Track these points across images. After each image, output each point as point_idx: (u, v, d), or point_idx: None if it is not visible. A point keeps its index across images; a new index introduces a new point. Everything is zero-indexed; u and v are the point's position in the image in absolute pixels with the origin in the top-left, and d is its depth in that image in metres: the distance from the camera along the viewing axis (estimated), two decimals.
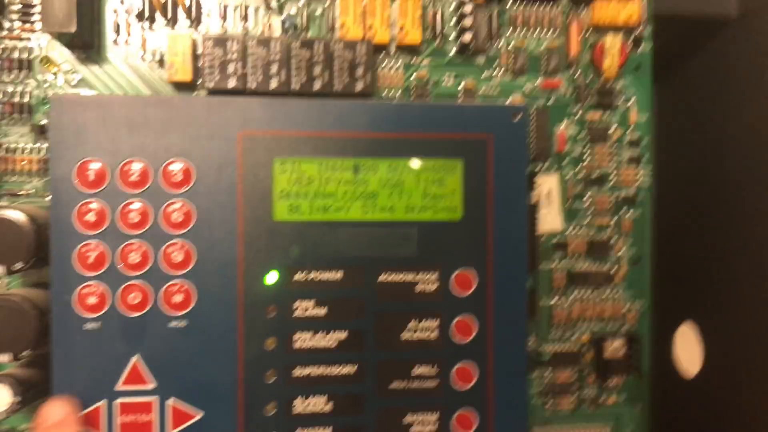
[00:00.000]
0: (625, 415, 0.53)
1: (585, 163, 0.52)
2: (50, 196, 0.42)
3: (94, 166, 0.42)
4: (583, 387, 0.53)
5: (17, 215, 0.42)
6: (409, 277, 0.45)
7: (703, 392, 0.56)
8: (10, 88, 0.46)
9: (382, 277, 0.45)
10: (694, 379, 0.57)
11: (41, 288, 0.46)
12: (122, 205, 0.42)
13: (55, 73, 0.47)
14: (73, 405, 0.41)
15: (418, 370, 0.45)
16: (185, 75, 0.46)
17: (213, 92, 0.47)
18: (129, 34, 0.47)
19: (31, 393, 0.44)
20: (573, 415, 0.53)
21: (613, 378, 0.52)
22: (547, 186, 0.52)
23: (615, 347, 0.52)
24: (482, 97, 0.51)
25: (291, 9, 0.49)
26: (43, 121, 0.46)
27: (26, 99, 0.46)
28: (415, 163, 0.44)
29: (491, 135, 0.46)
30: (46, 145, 0.47)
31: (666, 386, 0.56)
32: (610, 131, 0.52)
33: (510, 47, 0.51)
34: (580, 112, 0.52)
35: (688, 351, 0.58)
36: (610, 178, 0.53)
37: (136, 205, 0.42)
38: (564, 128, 0.52)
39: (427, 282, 0.45)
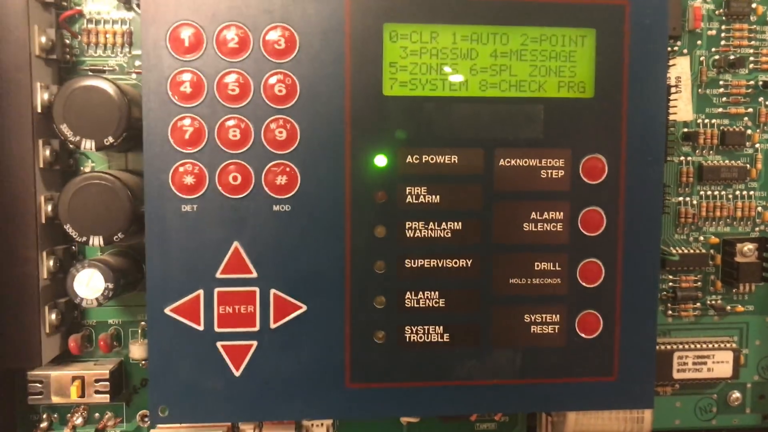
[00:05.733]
0: (754, 327, 0.48)
1: (721, 44, 0.46)
2: (140, 64, 0.38)
3: (188, 30, 0.38)
4: (708, 294, 0.48)
5: (107, 85, 0.38)
6: (532, 161, 0.40)
7: None
8: None
9: (503, 162, 0.40)
10: None
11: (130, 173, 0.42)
12: (219, 75, 0.38)
13: None
14: None
15: (540, 265, 0.41)
16: None
17: None
18: None
19: (123, 283, 0.41)
20: (696, 325, 0.48)
21: (742, 285, 0.47)
22: (678, 70, 0.46)
23: (747, 250, 0.47)
24: None
25: None
26: None
27: None
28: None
29: (628, 1, 0.40)
30: (131, 15, 0.42)
31: None
32: (753, 6, 0.46)
33: None
34: None
35: None
36: (748, 62, 0.47)
37: (234, 77, 0.38)
38: (699, 3, 0.46)
39: (553, 168, 0.41)
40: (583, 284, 0.41)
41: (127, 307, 0.44)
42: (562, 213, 0.41)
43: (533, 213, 0.41)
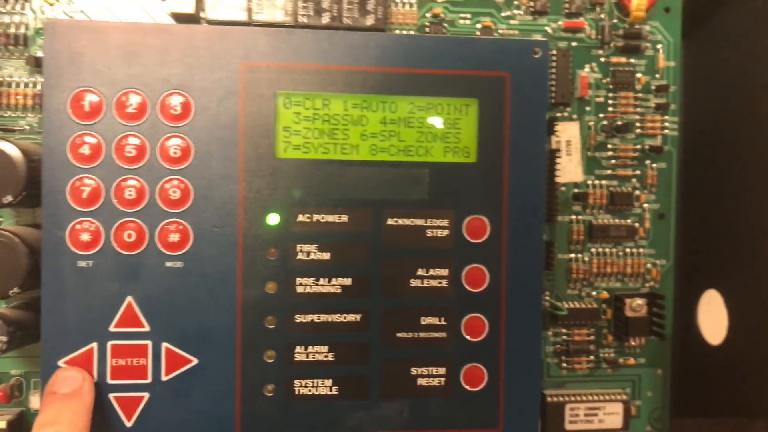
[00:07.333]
0: (645, 379, 0.50)
1: (608, 111, 0.50)
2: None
3: (90, 96, 0.40)
4: (601, 347, 0.50)
5: (8, 146, 0.40)
6: (418, 221, 0.43)
7: (728, 360, 0.52)
8: (6, 19, 0.44)
9: (390, 221, 0.43)
10: (719, 345, 0.54)
11: (33, 228, 0.44)
12: (118, 138, 0.40)
13: (52, 4, 0.45)
14: (87, 375, 0.40)
15: (426, 319, 0.43)
16: (187, 6, 0.44)
17: (216, 24, 0.44)
18: None
19: (20, 335, 0.42)
20: (589, 377, 0.50)
21: (633, 338, 0.50)
22: (568, 134, 0.49)
23: (636, 305, 0.49)
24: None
25: None
26: (39, 53, 0.44)
27: (22, 30, 0.44)
28: (437, 121, 0.42)
29: (509, 73, 0.43)
30: (42, 78, 0.45)
31: (689, 351, 0.53)
32: (636, 77, 0.49)
33: None
34: (605, 56, 0.49)
35: (713, 319, 0.55)
36: (634, 127, 0.50)
37: (133, 140, 0.40)
38: (587, 73, 0.49)
39: (437, 227, 0.43)
40: (468, 338, 0.43)
41: (30, 357, 0.45)
42: (446, 270, 0.43)
43: (419, 270, 0.43)
